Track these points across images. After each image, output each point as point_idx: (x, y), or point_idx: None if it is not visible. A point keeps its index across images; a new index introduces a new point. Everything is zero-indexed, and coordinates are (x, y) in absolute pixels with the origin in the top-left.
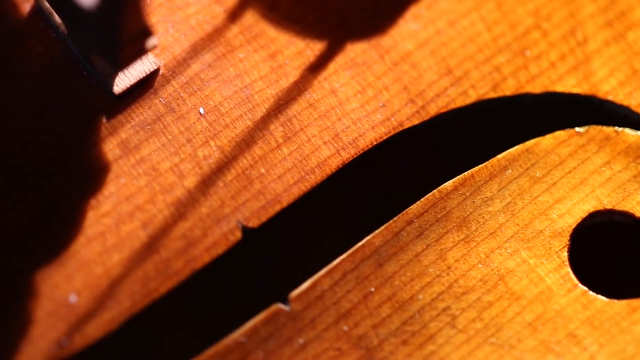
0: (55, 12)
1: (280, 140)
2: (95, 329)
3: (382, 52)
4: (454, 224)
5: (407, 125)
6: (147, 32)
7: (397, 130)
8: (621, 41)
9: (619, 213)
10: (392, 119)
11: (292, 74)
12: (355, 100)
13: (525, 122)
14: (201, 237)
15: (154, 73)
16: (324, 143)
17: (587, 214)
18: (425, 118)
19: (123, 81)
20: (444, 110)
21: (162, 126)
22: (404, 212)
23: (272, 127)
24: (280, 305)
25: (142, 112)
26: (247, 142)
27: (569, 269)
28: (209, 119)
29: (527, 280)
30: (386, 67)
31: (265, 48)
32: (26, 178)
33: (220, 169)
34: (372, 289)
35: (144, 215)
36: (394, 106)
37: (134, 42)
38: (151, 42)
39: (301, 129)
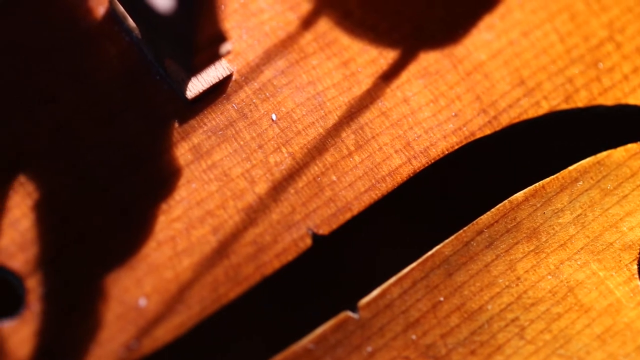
0: (130, 16)
1: (352, 148)
2: (164, 333)
3: (455, 61)
4: (524, 235)
5: (478, 135)
6: (221, 38)
7: (469, 140)
8: None
9: None
10: (464, 128)
11: (365, 82)
12: (427, 109)
13: (597, 134)
14: (271, 243)
15: (227, 79)
16: (396, 151)
17: None
18: (497, 128)
19: (196, 86)
20: (516, 120)
21: (234, 132)
22: (475, 222)
23: (344, 134)
24: (349, 313)
25: (214, 118)
26: (318, 149)
27: (638, 282)
28: (281, 126)
29: (596, 292)
30: (459, 77)
31: (339, 55)
32: (98, 181)
33: (291, 175)
34: (441, 299)
35: (214, 221)
36: (466, 116)
37: (209, 48)
38: (225, 47)
39: (373, 137)
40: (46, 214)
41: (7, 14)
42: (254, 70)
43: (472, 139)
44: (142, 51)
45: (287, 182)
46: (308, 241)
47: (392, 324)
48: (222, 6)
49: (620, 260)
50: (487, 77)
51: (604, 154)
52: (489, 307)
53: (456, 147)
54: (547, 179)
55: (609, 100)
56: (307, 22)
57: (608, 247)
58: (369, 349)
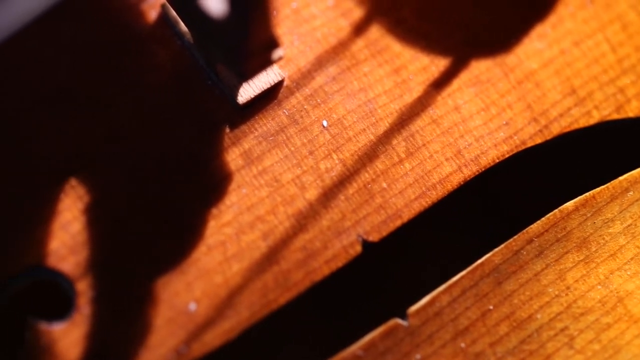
0: (182, 20)
1: (403, 155)
2: (214, 338)
3: (507, 70)
4: (574, 245)
5: (529, 144)
6: (274, 44)
7: (520, 149)
8: None
9: None
10: (515, 137)
11: (416, 90)
12: (478, 117)
13: None
14: (321, 250)
15: (279, 84)
16: (446, 159)
17: None
18: (548, 137)
19: (247, 92)
20: (567, 130)
21: (285, 138)
22: (525, 230)
23: (394, 141)
24: (399, 320)
25: (265, 123)
26: (369, 156)
27: None
28: (332, 132)
29: None
30: (510, 86)
31: (390, 63)
32: (149, 185)
33: (341, 182)
34: (491, 307)
35: (264, 226)
36: (517, 124)
37: (261, 53)
38: (277, 53)
39: (424, 145)
40: (97, 217)
41: (61, 18)
42: (306, 76)
43: (523, 147)
44: (194, 56)
45: (337, 189)
46: (358, 248)
47: (441, 331)
48: (275, 12)
49: None
50: (538, 86)
51: None
52: (539, 316)
53: (507, 155)
54: (598, 189)
55: None
56: (359, 29)
57: None
58: (418, 356)
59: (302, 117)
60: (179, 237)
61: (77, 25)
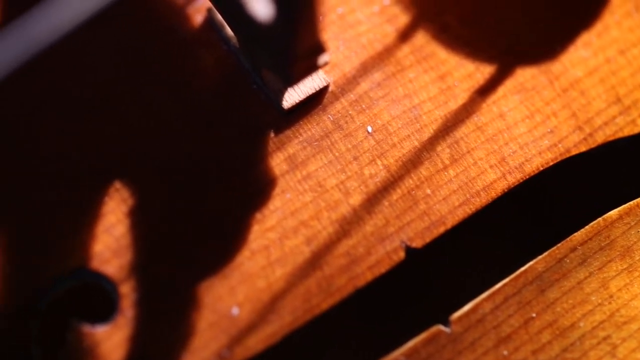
0: (228, 24)
1: (447, 162)
2: (256, 343)
3: (552, 78)
4: (618, 253)
5: (574, 152)
6: (320, 49)
7: (564, 157)
8: None
9: None
10: (560, 145)
11: (461, 96)
12: (523, 125)
13: None
14: (364, 255)
15: (324, 90)
16: (490, 166)
17: None
18: (592, 145)
19: (292, 96)
20: (612, 138)
21: (329, 143)
22: (568, 238)
23: (439, 148)
24: (441, 327)
25: (310, 128)
26: (413, 162)
27: None
28: (376, 138)
29: None
30: (555, 93)
31: (435, 69)
32: (194, 189)
33: (385, 188)
34: (534, 315)
35: (308, 231)
36: (562, 132)
37: (307, 59)
38: (323, 59)
39: (468, 152)
40: (141, 221)
41: (109, 22)
42: (351, 81)
43: (567, 155)
44: (240, 60)
45: (381, 195)
46: (401, 254)
47: (483, 338)
48: (321, 17)
49: None
50: (583, 94)
51: None
52: (581, 324)
53: (551, 163)
54: None
55: None
56: (405, 35)
57: None
58: None
59: (346, 122)
60: (222, 241)
61: (124, 28)
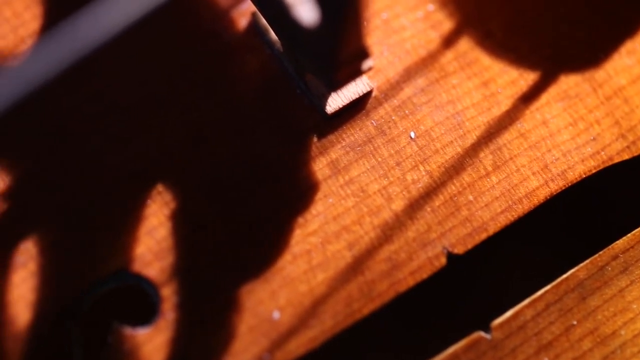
0: (272, 29)
1: (490, 169)
2: (297, 347)
3: (595, 85)
4: None
5: (616, 160)
6: (364, 54)
7: (607, 165)
8: None
9: None
10: (602, 153)
11: (504, 103)
12: (566, 132)
13: None
14: (406, 261)
15: (367, 95)
16: (533, 173)
17: None
18: (635, 154)
19: (336, 101)
20: None
21: (372, 148)
22: (610, 246)
23: (481, 154)
24: (482, 333)
25: (353, 133)
26: (456, 168)
27: None
28: (419, 144)
29: None
30: (598, 101)
31: (479, 75)
32: (236, 192)
33: (428, 193)
34: (575, 322)
35: (350, 236)
36: (605, 140)
37: (351, 64)
38: (367, 64)
39: (511, 158)
40: (183, 224)
41: (153, 26)
42: (394, 87)
43: (610, 163)
44: (283, 65)
45: (423, 200)
46: (443, 260)
47: (524, 345)
48: (365, 22)
49: None
50: (626, 102)
51: None
52: (622, 332)
53: (594, 170)
54: None
55: None
56: (449, 41)
57: None
58: None
59: (389, 128)
60: (264, 245)
61: (168, 32)
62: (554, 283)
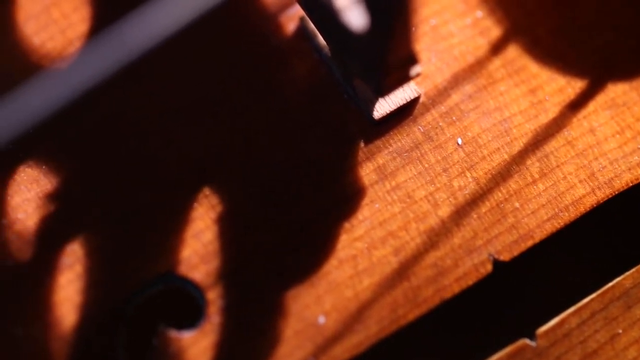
0: (320, 33)
1: (536, 176)
2: (342, 352)
3: None
4: None
5: None
6: (413, 60)
7: None
8: None
9: None
10: None
11: (552, 111)
12: (613, 140)
13: None
14: (452, 267)
15: (415, 101)
16: (580, 181)
17: None
18: None
19: (383, 107)
20: None
21: (419, 154)
22: None
23: (528, 162)
24: (527, 341)
25: (400, 139)
26: (502, 175)
27: None
28: (466, 150)
29: None
30: None
31: (526, 83)
32: (283, 197)
33: (474, 200)
34: (620, 331)
35: (396, 242)
36: None
37: (400, 69)
38: (415, 70)
39: (557, 166)
40: (229, 227)
41: (202, 29)
42: (442, 93)
43: None
44: (331, 69)
45: (470, 207)
46: (489, 267)
47: (569, 353)
48: (414, 28)
49: None
50: None
51: None
52: None
53: None
54: None
55: None
56: (497, 48)
57: None
58: None
59: (437, 134)
60: (310, 250)
61: (217, 36)
62: (599, 291)
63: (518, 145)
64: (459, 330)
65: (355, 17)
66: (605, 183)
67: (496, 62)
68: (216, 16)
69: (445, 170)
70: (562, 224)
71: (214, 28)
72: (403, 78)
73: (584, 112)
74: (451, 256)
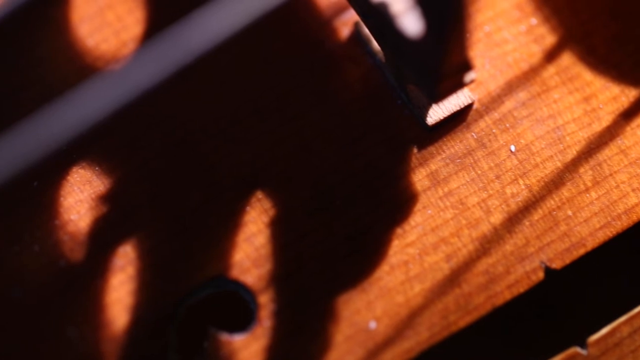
0: (375, 39)
1: (589, 184)
2: (392, 358)
3: None
4: None
5: None
6: (468, 66)
7: None
8: None
9: None
10: None
11: (605, 119)
12: None
13: None
14: (503, 274)
15: (468, 107)
16: (633, 190)
17: None
18: None
19: (437, 113)
20: None
21: (472, 161)
22: None
23: (581, 170)
24: (578, 349)
25: (453, 145)
26: (555, 183)
27: None
28: (519, 157)
29: None
30: None
31: (580, 91)
32: (335, 202)
33: (527, 207)
34: None
35: (448, 248)
36: None
37: (454, 76)
38: (470, 76)
39: (610, 175)
40: (281, 231)
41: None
42: (495, 100)
43: None
44: (385, 75)
45: (522, 214)
46: (540, 274)
47: None
48: (469, 35)
49: None
50: None
51: None
52: None
53: None
54: None
55: None
56: (551, 56)
57: None
58: None
59: (490, 141)
60: (362, 255)
61: (272, 40)
62: None
63: (571, 153)
64: (510, 337)
65: (411, 23)
66: None
67: (550, 70)
68: (270, 21)
69: (498, 177)
70: (614, 232)
71: (269, 32)
72: (457, 84)
73: (637, 121)
74: (503, 263)
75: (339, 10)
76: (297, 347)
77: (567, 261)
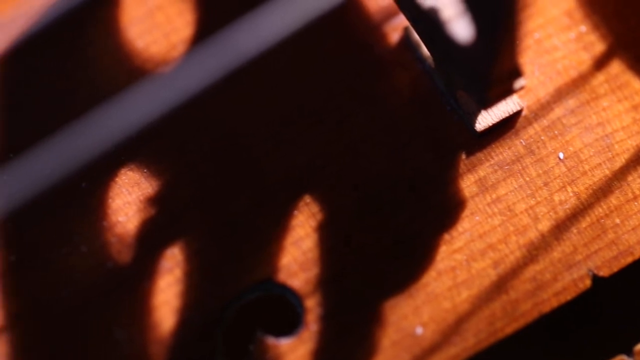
0: (424, 44)
1: (637, 192)
2: None
3: None
4: None
5: None
6: (517, 73)
7: None
8: None
9: None
10: None
11: None
12: None
13: None
14: (551, 282)
15: (517, 114)
16: None
17: None
18: None
19: (486, 119)
20: None
21: (520, 167)
22: None
23: (629, 178)
24: (625, 357)
25: (501, 152)
26: (603, 191)
27: None
28: (567, 165)
29: None
30: None
31: (629, 99)
32: (383, 207)
33: (575, 215)
34: None
35: (495, 255)
36: None
37: (504, 82)
38: (519, 83)
39: None
40: (329, 236)
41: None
42: (544, 107)
43: None
44: (434, 81)
45: (570, 222)
46: (588, 282)
47: None
48: (519, 41)
49: None
50: None
51: None
52: None
53: None
54: None
55: None
56: (600, 63)
57: None
58: None
59: (538, 147)
60: (409, 260)
61: (320, 44)
62: None
63: (620, 161)
64: (556, 345)
65: (461, 29)
66: None
67: (599, 77)
68: (320, 25)
69: (546, 184)
70: None
71: (318, 37)
72: (507, 91)
73: None
74: (550, 270)
75: (389, 15)
76: (344, 352)
77: (615, 269)
